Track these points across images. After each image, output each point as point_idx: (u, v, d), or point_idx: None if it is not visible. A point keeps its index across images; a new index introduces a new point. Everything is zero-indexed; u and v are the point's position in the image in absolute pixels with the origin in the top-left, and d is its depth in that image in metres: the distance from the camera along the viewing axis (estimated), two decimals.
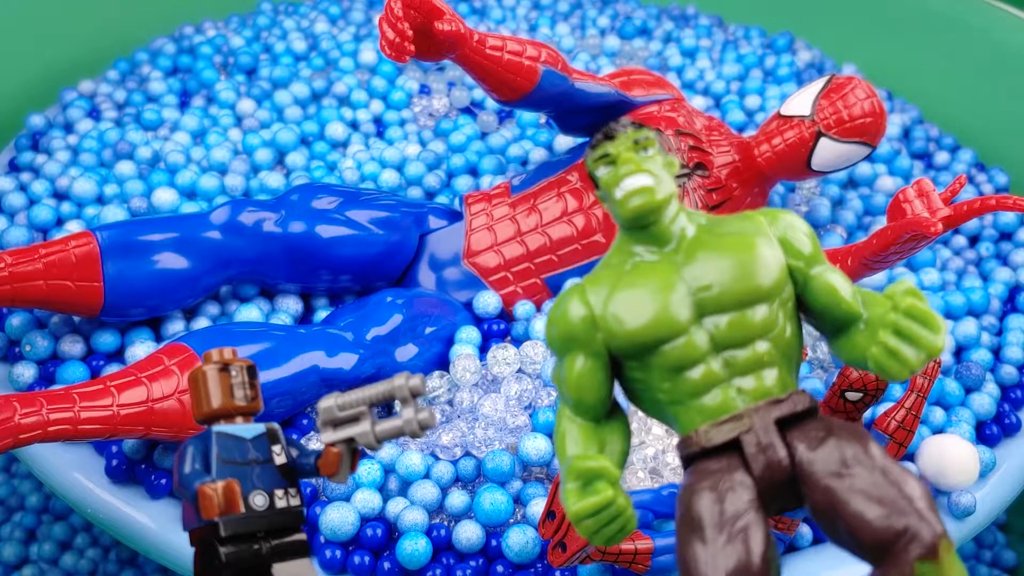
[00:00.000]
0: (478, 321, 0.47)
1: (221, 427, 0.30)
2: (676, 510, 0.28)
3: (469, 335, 0.45)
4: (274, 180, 0.53)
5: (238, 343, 0.40)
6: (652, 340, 0.28)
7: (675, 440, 0.41)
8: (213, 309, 0.47)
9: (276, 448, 0.30)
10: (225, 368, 0.30)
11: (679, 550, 0.27)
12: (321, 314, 0.47)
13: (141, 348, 0.43)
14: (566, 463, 0.29)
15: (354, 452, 0.30)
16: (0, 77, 0.66)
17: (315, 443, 0.41)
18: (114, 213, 0.49)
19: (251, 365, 0.31)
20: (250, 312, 0.46)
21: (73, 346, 0.44)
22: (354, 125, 0.59)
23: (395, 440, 0.38)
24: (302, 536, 0.30)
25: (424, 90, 0.61)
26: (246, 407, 0.30)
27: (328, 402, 0.30)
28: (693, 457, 0.29)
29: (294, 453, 0.31)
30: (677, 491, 0.39)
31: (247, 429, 0.30)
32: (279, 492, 0.30)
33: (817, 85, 0.49)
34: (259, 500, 0.29)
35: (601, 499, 0.27)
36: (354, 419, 0.30)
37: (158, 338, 0.45)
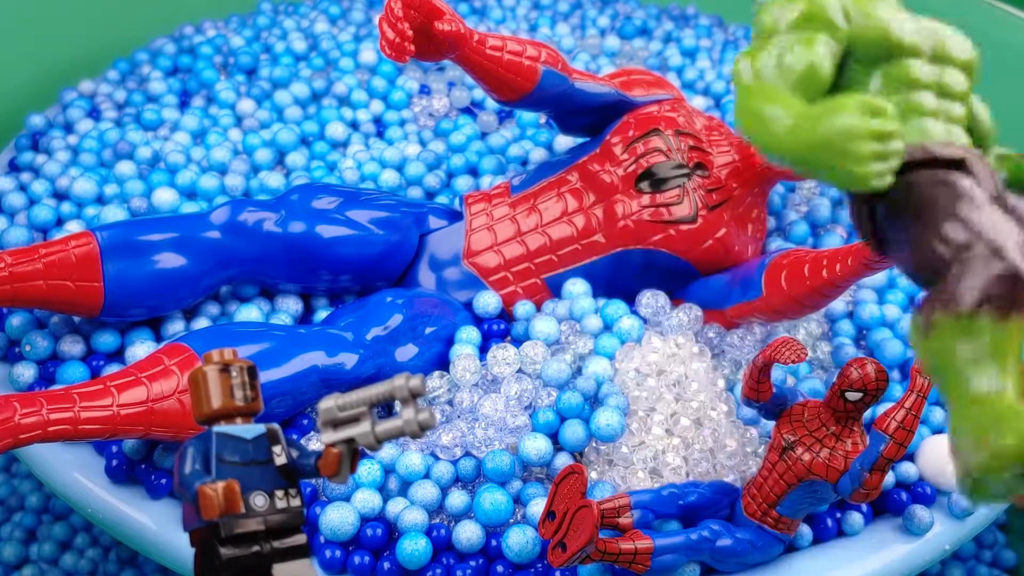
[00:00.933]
0: (478, 321, 0.47)
1: (221, 428, 0.30)
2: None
3: (469, 335, 0.45)
4: (274, 180, 0.53)
5: (238, 343, 0.40)
6: (903, 47, 0.29)
7: (674, 441, 0.41)
8: (213, 309, 0.47)
9: (276, 449, 0.30)
10: (225, 369, 0.30)
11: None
12: (321, 314, 0.47)
13: (141, 348, 0.43)
14: None
15: (354, 453, 0.30)
16: (0, 77, 0.66)
17: (315, 443, 0.41)
18: (114, 213, 0.49)
19: (251, 366, 0.31)
20: (250, 312, 0.46)
21: (73, 346, 0.44)
22: (354, 125, 0.59)
23: (395, 440, 0.38)
24: (302, 537, 0.30)
25: (424, 90, 0.61)
26: (246, 408, 0.30)
27: (328, 403, 0.30)
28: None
29: (294, 454, 0.31)
30: (677, 490, 0.39)
31: (247, 430, 0.30)
32: (279, 493, 0.30)
33: None
34: (259, 501, 0.29)
35: None
36: (354, 419, 0.30)
37: (158, 338, 0.45)
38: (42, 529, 0.60)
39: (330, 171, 0.55)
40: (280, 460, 0.30)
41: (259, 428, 0.31)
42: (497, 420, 0.41)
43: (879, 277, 0.51)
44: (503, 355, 0.43)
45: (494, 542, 0.39)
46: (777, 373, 0.45)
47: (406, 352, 0.44)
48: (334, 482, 0.30)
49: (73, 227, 0.50)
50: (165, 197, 0.50)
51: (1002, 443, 0.23)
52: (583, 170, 0.48)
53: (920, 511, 0.41)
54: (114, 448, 0.40)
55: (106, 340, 0.44)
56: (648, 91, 0.50)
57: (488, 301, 0.47)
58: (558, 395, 0.42)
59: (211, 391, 0.30)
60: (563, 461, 0.41)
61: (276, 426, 0.31)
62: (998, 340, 0.25)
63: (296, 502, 0.30)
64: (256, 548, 0.29)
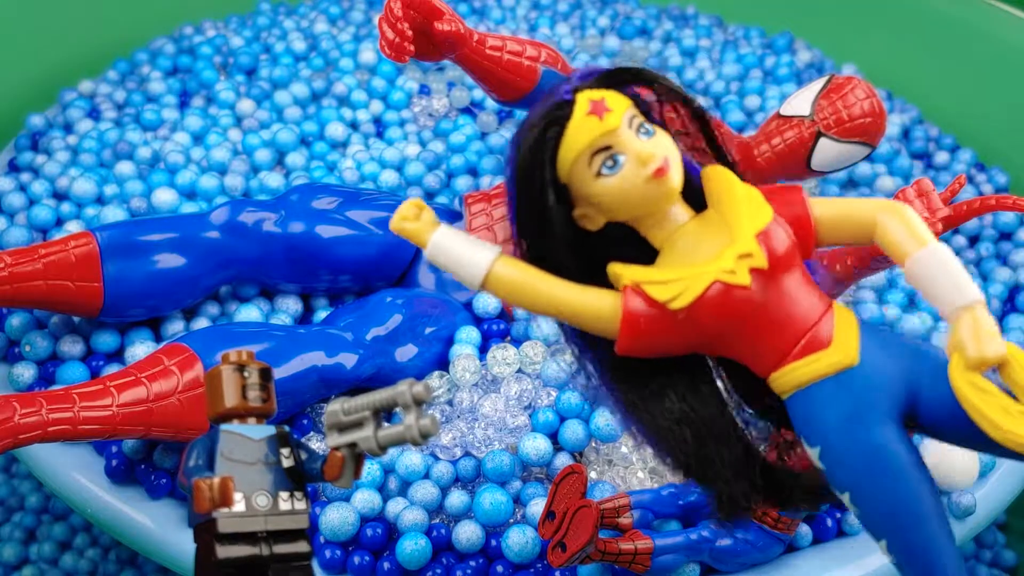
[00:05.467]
0: (478, 321, 0.47)
1: (229, 426, 0.30)
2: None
3: (469, 335, 0.45)
4: (274, 180, 0.53)
5: (238, 343, 0.40)
6: None
7: None
8: (213, 309, 0.47)
9: (285, 451, 0.30)
10: (240, 369, 0.30)
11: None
12: (321, 314, 0.47)
13: (141, 348, 0.43)
14: None
15: (358, 457, 0.30)
16: (0, 77, 0.66)
17: (314, 443, 0.41)
18: (114, 213, 0.49)
19: (265, 368, 0.31)
20: (250, 312, 0.46)
21: (73, 346, 0.44)
22: (354, 125, 0.59)
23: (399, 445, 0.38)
24: (306, 545, 0.30)
25: (424, 90, 0.61)
26: (258, 408, 0.30)
27: (334, 406, 0.30)
28: None
29: (303, 457, 0.31)
30: (677, 490, 0.39)
31: (256, 430, 0.30)
32: (284, 495, 0.30)
33: (817, 85, 0.49)
34: (262, 500, 0.29)
35: None
36: (358, 424, 0.29)
37: (158, 338, 0.45)
38: (42, 529, 0.60)
39: (330, 171, 0.55)
40: (287, 462, 0.30)
41: (269, 429, 0.31)
42: (497, 420, 0.41)
43: (879, 277, 0.51)
44: (503, 355, 0.43)
45: (494, 542, 0.39)
46: None
47: (406, 352, 0.44)
48: (338, 486, 0.30)
49: (73, 227, 0.50)
50: (165, 197, 0.50)
51: None
52: None
53: None
54: (114, 448, 0.40)
55: (106, 340, 0.44)
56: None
57: (488, 301, 0.47)
58: (558, 395, 0.42)
59: (225, 390, 0.30)
60: (563, 461, 0.41)
61: (286, 428, 0.31)
62: None
63: (301, 505, 0.30)
64: (254, 550, 0.29)
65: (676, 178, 0.29)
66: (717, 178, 0.30)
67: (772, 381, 0.29)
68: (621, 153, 0.29)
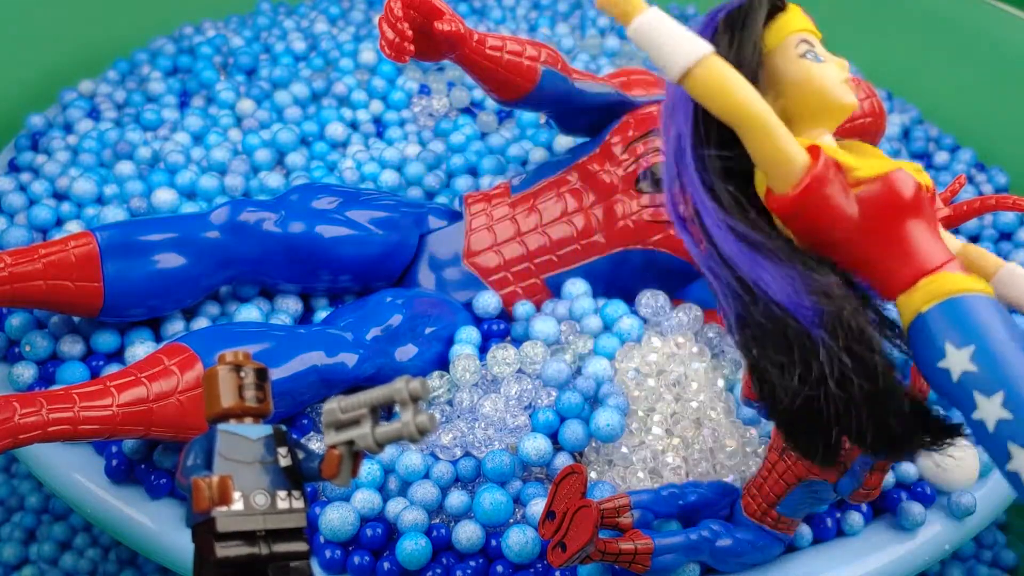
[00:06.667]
0: (478, 321, 0.47)
1: (226, 426, 0.30)
2: None
3: (469, 335, 0.45)
4: (274, 180, 0.53)
5: (238, 343, 0.40)
6: None
7: (674, 441, 0.41)
8: (213, 309, 0.47)
9: (282, 450, 0.30)
10: (236, 369, 0.30)
11: None
12: (321, 314, 0.47)
13: (141, 348, 0.43)
14: None
15: (355, 455, 0.30)
16: (0, 77, 0.66)
17: (314, 443, 0.41)
18: (114, 213, 0.49)
19: (262, 368, 0.31)
20: (250, 312, 0.46)
21: (73, 346, 0.44)
22: (354, 125, 0.59)
23: (396, 442, 0.38)
24: (304, 545, 0.30)
25: (424, 90, 0.61)
26: (255, 408, 0.30)
27: (331, 404, 0.30)
28: None
29: (300, 456, 0.31)
30: (677, 490, 0.39)
31: (253, 429, 0.30)
32: (282, 494, 0.30)
33: None
34: (260, 499, 0.29)
35: None
36: (355, 422, 0.29)
37: (158, 338, 0.45)
38: (42, 529, 0.60)
39: (330, 171, 0.55)
40: (285, 462, 0.30)
41: (266, 429, 0.31)
42: (497, 420, 0.41)
43: None
44: (503, 355, 0.43)
45: (494, 542, 0.39)
46: None
47: (406, 352, 0.44)
48: (335, 484, 0.30)
49: (73, 227, 0.50)
50: (165, 197, 0.50)
51: None
52: (583, 170, 0.48)
53: (913, 506, 0.41)
54: (114, 448, 0.40)
55: (106, 340, 0.44)
56: (648, 91, 0.50)
57: (488, 301, 0.47)
58: (558, 395, 0.42)
59: (222, 390, 0.30)
60: (563, 461, 0.41)
61: (283, 427, 0.31)
62: None
63: (299, 504, 0.30)
64: (253, 549, 0.29)
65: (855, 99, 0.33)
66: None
67: (918, 289, 0.30)
68: (822, 55, 0.32)
